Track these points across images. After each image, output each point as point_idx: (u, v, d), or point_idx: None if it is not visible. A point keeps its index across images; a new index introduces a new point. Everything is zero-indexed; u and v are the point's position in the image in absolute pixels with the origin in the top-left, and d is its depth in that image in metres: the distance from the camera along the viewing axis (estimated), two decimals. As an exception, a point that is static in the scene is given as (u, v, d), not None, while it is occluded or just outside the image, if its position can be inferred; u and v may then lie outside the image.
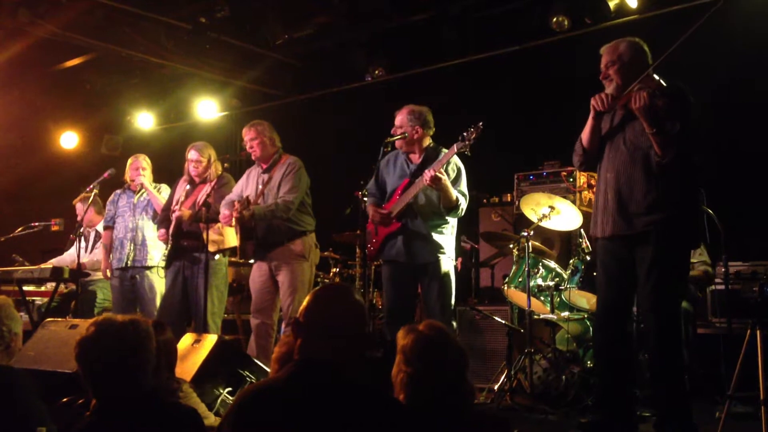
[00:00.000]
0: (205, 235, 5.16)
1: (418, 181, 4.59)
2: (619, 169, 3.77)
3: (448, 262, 4.70)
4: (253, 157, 5.35)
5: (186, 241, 5.43)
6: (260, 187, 5.24)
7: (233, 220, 5.10)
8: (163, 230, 5.55)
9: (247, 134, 5.31)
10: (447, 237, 4.73)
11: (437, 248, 4.66)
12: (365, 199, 4.68)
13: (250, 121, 5.41)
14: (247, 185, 5.37)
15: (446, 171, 4.65)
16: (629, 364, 3.90)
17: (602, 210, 3.84)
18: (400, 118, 4.74)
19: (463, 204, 4.66)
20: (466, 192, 4.74)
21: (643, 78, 3.70)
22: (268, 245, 5.14)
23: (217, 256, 5.41)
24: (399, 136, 4.72)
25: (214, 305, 5.33)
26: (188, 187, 5.58)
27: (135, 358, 2.23)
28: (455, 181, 4.68)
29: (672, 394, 3.63)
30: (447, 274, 4.67)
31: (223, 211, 5.24)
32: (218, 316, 5.44)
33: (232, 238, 5.42)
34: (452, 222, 4.77)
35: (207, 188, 5.45)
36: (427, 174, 4.45)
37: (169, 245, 5.52)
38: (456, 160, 4.72)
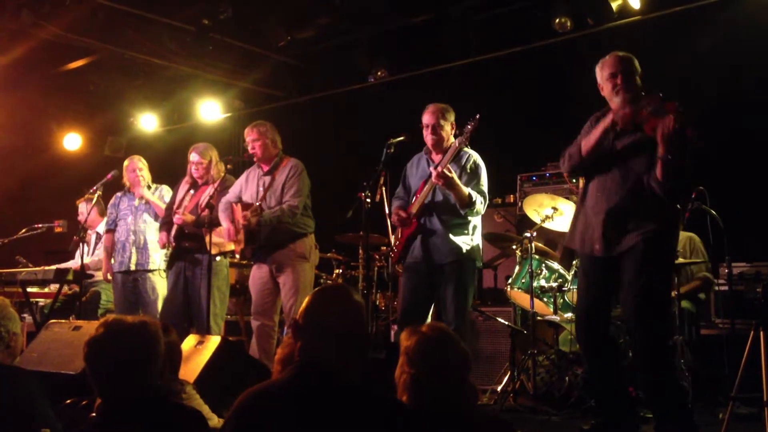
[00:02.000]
0: (207, 239, 5.17)
1: (430, 180, 4.55)
2: (610, 190, 3.73)
3: (467, 265, 4.59)
4: (254, 159, 5.35)
5: (187, 243, 5.44)
6: (261, 189, 5.25)
7: (241, 227, 5.13)
8: (163, 234, 5.54)
9: (249, 135, 5.31)
10: (468, 238, 4.62)
11: (456, 249, 4.55)
12: (368, 200, 4.67)
13: (253, 122, 5.41)
14: (247, 187, 5.36)
15: (464, 168, 4.60)
16: (619, 365, 3.91)
17: (584, 227, 3.82)
18: (431, 117, 4.66)
19: (480, 201, 4.56)
20: (485, 189, 4.64)
21: (648, 96, 3.66)
22: (269, 247, 5.14)
23: (218, 258, 5.42)
24: (401, 138, 4.72)
25: (216, 306, 5.33)
26: (192, 191, 5.59)
27: (143, 359, 2.24)
28: (472, 178, 4.61)
29: (670, 397, 3.62)
30: (464, 277, 4.56)
31: (224, 222, 5.23)
32: (220, 318, 5.45)
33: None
34: (474, 222, 4.65)
35: (210, 190, 5.45)
36: (434, 172, 4.40)
37: (170, 248, 5.52)
38: (476, 157, 4.67)
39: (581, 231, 3.85)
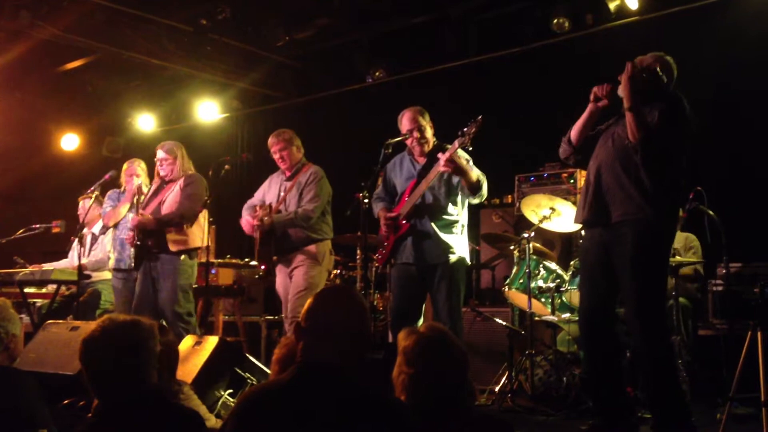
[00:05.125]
0: (169, 236, 5.20)
1: (428, 176, 4.54)
2: (603, 159, 3.82)
3: (458, 263, 4.62)
4: (282, 167, 5.34)
5: (150, 241, 5.36)
6: (282, 193, 5.27)
7: (255, 227, 5.15)
8: (131, 233, 5.48)
9: (275, 145, 5.27)
10: (457, 237, 4.65)
11: (447, 248, 4.59)
12: (365, 201, 4.67)
13: (275, 131, 5.37)
14: (269, 191, 5.40)
15: None
16: (620, 364, 3.91)
17: (583, 197, 3.91)
18: (410, 123, 4.68)
19: (485, 184, 4.59)
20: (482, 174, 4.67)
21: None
22: (283, 251, 5.16)
23: (182, 257, 5.32)
24: (400, 138, 4.72)
25: (181, 307, 5.22)
26: (154, 187, 5.57)
27: (137, 357, 2.24)
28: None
29: (669, 397, 3.62)
30: (456, 276, 4.60)
31: (245, 217, 5.28)
32: (185, 317, 5.26)
33: (197, 238, 5.38)
34: (462, 221, 4.70)
35: (174, 187, 5.42)
36: (442, 158, 4.36)
37: (136, 245, 5.43)
38: (462, 153, 4.68)
39: (581, 201, 3.93)
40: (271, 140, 5.34)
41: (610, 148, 3.81)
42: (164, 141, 5.72)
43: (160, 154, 5.55)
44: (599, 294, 3.82)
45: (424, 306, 4.77)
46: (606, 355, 3.82)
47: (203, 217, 5.49)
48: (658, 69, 3.74)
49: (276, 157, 5.31)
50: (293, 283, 5.14)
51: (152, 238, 5.36)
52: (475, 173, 4.51)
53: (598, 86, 3.89)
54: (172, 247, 5.25)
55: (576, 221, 4.12)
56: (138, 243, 5.39)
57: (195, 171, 5.61)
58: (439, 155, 4.44)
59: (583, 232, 5.19)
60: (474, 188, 4.53)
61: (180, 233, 5.32)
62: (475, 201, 4.67)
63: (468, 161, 4.64)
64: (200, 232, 5.41)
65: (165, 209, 5.41)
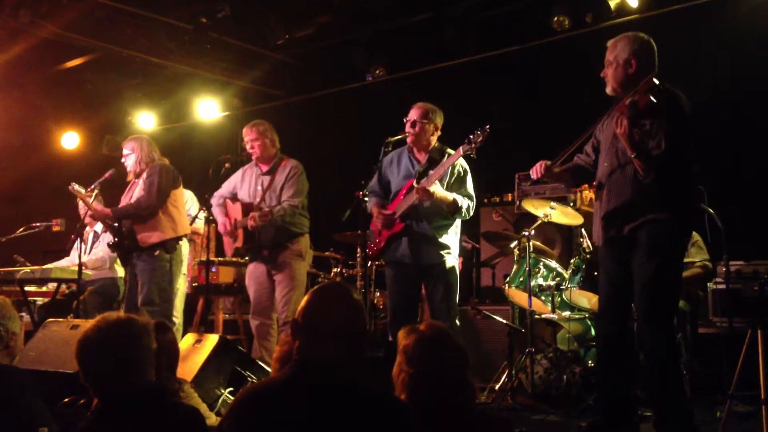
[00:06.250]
0: (82, 212, 5.36)
1: (413, 192, 4.55)
2: (610, 180, 3.74)
3: (453, 263, 4.67)
4: (253, 158, 5.35)
5: (127, 240, 5.35)
6: (260, 189, 5.26)
7: (239, 223, 5.15)
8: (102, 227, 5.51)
9: (248, 134, 5.32)
10: (451, 237, 4.70)
11: (442, 249, 4.63)
12: (365, 199, 4.67)
13: (251, 121, 5.41)
14: (242, 185, 5.39)
15: (452, 171, 4.64)
16: (630, 364, 3.90)
17: (599, 219, 3.83)
18: (415, 113, 4.69)
19: (467, 205, 4.62)
20: (473, 193, 4.70)
21: (638, 89, 3.55)
22: (269, 246, 5.16)
23: (157, 252, 5.28)
24: (400, 136, 4.72)
25: (155, 304, 5.20)
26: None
27: (132, 354, 2.25)
28: (461, 183, 4.66)
29: (672, 395, 3.62)
30: (452, 275, 4.65)
31: (218, 216, 5.32)
32: (161, 315, 5.21)
33: (168, 228, 5.31)
34: (457, 222, 4.74)
35: (139, 182, 5.41)
36: (416, 190, 4.44)
37: (114, 244, 5.46)
38: (462, 162, 4.68)
39: (597, 223, 3.86)
40: (245, 129, 5.37)
41: (615, 166, 3.72)
42: (130, 137, 5.69)
43: (123, 150, 5.55)
44: (618, 289, 3.81)
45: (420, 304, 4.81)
46: (618, 352, 3.80)
47: (172, 205, 5.39)
48: (652, 98, 3.52)
49: (247, 147, 5.33)
50: (279, 282, 5.16)
51: (128, 237, 5.34)
52: (451, 197, 4.53)
53: (532, 170, 3.92)
54: (143, 244, 5.22)
55: (593, 240, 4.07)
56: (114, 242, 5.38)
57: (160, 160, 5.51)
58: (415, 188, 4.47)
59: (583, 230, 5.24)
60: (452, 210, 4.60)
61: (148, 228, 5.26)
62: (455, 218, 4.68)
63: (466, 173, 4.69)
64: (171, 222, 5.32)
65: None
